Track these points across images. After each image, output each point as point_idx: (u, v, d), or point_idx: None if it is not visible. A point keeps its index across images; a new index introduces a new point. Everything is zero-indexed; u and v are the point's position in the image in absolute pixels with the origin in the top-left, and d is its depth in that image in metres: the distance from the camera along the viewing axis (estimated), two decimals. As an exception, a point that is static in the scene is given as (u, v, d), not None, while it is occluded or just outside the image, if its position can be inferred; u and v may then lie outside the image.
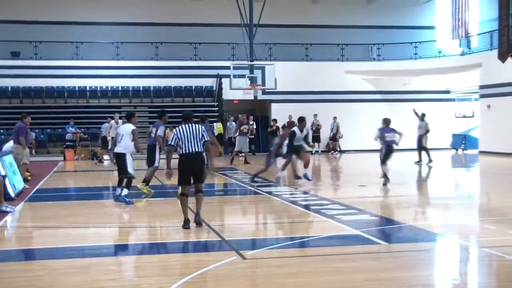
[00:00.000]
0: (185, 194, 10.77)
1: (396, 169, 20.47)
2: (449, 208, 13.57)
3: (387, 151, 17.20)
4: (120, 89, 33.68)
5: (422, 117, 25.52)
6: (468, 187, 19.02)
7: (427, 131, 25.15)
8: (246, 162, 26.12)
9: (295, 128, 18.06)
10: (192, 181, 10.76)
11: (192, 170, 10.66)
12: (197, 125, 10.84)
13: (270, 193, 15.81)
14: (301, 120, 18.10)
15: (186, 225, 10.54)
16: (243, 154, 27.17)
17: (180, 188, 11.28)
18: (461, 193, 17.54)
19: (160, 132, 15.11)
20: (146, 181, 15.36)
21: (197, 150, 10.60)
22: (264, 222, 12.47)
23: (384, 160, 17.18)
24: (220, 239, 9.90)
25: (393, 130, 17.35)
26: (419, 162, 24.70)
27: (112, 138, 20.02)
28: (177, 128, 10.72)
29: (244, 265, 8.18)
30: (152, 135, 15.44)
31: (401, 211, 12.94)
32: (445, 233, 10.35)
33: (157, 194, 15.46)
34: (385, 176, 17.10)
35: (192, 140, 10.57)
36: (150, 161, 15.45)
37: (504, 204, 14.36)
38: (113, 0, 35.05)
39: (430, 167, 23.47)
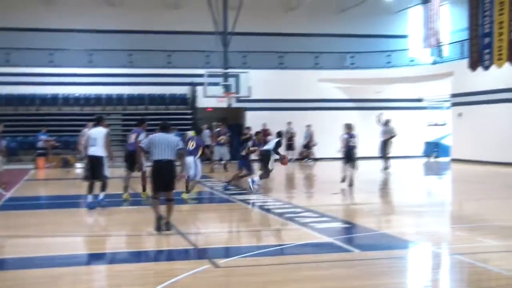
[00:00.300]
0: (157, 197, 11.09)
1: (369, 176, 20.62)
2: (421, 215, 13.66)
3: (349, 153, 17.96)
4: (93, 96, 33.44)
5: (386, 123, 25.75)
6: (440, 194, 19.17)
7: (393, 136, 25.43)
8: (225, 169, 26.15)
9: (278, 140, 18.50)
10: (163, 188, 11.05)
11: (163, 177, 10.93)
12: (172, 134, 11.28)
13: (244, 201, 15.79)
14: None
15: (158, 224, 10.82)
16: (223, 162, 27.12)
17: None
18: (433, 200, 17.67)
19: (142, 137, 15.02)
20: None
21: (168, 158, 10.89)
22: (237, 230, 12.45)
23: (348, 161, 17.72)
24: (193, 247, 9.87)
25: (353, 136, 18.38)
26: (387, 169, 24.92)
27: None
28: (152, 135, 11.18)
29: (217, 274, 8.16)
30: (132, 141, 15.48)
31: (373, 218, 13.00)
32: (417, 240, 10.43)
33: (130, 202, 15.37)
34: (345, 177, 18.04)
35: (166, 148, 10.88)
36: (131, 166, 15.64)
37: (475, 211, 14.51)
38: (87, 7, 34.77)
39: (388, 174, 23.74)
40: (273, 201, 15.79)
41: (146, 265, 8.96)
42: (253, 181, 17.57)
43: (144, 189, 15.96)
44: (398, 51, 36.07)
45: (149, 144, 11.05)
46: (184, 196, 15.91)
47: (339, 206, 15.32)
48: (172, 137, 11.13)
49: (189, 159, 15.73)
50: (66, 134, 30.72)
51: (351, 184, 18.11)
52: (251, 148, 18.18)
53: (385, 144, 25.46)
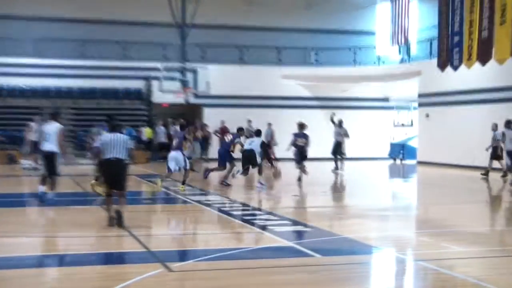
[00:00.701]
0: (109, 194, 11.93)
1: (333, 179, 20.78)
2: (385, 219, 13.81)
3: (300, 153, 18.64)
4: (40, 89, 32.98)
5: (340, 124, 26.35)
6: (405, 198, 19.40)
7: (346, 137, 26.26)
8: (192, 169, 26.05)
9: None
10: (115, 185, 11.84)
11: (113, 175, 11.75)
12: (122, 134, 12.17)
13: (200, 202, 15.77)
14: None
15: (110, 222, 11.49)
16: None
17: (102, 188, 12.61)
18: (398, 204, 17.86)
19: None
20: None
21: (119, 157, 11.63)
22: (193, 233, 12.42)
23: (300, 160, 18.38)
24: (145, 250, 9.82)
25: (305, 136, 19.01)
26: (336, 170, 25.57)
27: (32, 141, 21.98)
28: (104, 135, 12.26)
29: (170, 278, 8.13)
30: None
31: (336, 222, 13.11)
32: (380, 245, 10.53)
33: (80, 202, 15.25)
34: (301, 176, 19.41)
35: (117, 147, 11.62)
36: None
37: (440, 216, 14.72)
38: (35, -6, 34.33)
39: (338, 175, 24.35)
40: (232, 203, 15.80)
41: (96, 268, 8.88)
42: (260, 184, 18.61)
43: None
44: (364, 48, 36.35)
45: (102, 144, 11.79)
46: (181, 188, 17.52)
47: (300, 209, 15.40)
48: (123, 137, 11.90)
49: (175, 154, 17.62)
50: (12, 129, 30.29)
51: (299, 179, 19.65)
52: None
53: (339, 145, 26.10)
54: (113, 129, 12.06)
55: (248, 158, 18.68)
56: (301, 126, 20.36)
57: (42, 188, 14.44)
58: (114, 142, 11.62)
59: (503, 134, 21.86)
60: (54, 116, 14.83)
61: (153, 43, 33.55)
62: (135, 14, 34.74)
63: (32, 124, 25.49)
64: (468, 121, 26.23)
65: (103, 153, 11.72)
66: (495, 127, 23.11)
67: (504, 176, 22.36)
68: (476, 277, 8.17)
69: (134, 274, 8.09)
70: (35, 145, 24.60)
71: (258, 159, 18.72)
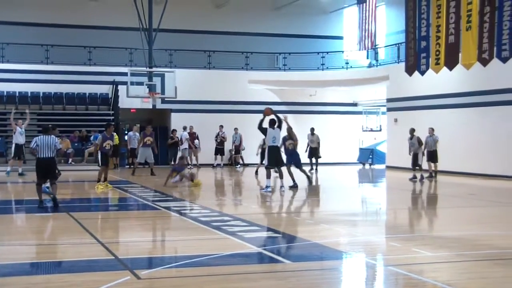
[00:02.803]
0: (40, 184, 15.33)
1: (301, 184, 20.77)
2: (355, 224, 13.84)
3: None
4: (5, 94, 32.54)
5: (312, 131, 29.46)
6: (375, 203, 19.47)
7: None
8: (152, 173, 25.93)
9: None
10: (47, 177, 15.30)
11: (46, 170, 15.09)
12: (52, 136, 15.20)
13: (168, 208, 15.67)
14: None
15: (41, 205, 15.00)
16: (146, 166, 26.91)
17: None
18: (367, 209, 17.93)
19: (98, 140, 20.74)
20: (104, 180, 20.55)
21: (49, 155, 14.98)
22: (161, 239, 12.33)
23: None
24: (112, 257, 9.71)
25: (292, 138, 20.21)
26: (312, 170, 28.44)
27: (17, 144, 24.93)
28: (37, 137, 15.11)
29: (138, 286, 8.04)
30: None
31: (305, 227, 13.09)
32: (350, 250, 10.54)
33: (45, 210, 15.06)
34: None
35: (47, 148, 14.90)
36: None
37: (410, 221, 14.80)
38: (-1, -3, 33.95)
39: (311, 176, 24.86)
40: (200, 209, 15.73)
41: (62, 276, 8.74)
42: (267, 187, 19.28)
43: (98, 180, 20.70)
44: (332, 53, 36.53)
45: (35, 146, 14.94)
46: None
47: (269, 215, 15.37)
48: (52, 139, 15.03)
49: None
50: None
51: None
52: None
53: (316, 151, 29.16)
54: (45, 132, 15.21)
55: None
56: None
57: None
58: (44, 143, 14.84)
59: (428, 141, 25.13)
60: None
61: (120, 48, 33.35)
62: (102, 18, 34.56)
63: (17, 127, 25.37)
64: (436, 126, 26.40)
65: (37, 152, 14.89)
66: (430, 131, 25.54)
67: (430, 177, 25.06)
68: (446, 281, 8.20)
69: (102, 282, 7.98)
70: (19, 149, 24.72)
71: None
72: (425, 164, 25.21)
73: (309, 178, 21.73)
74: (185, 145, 31.23)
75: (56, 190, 15.36)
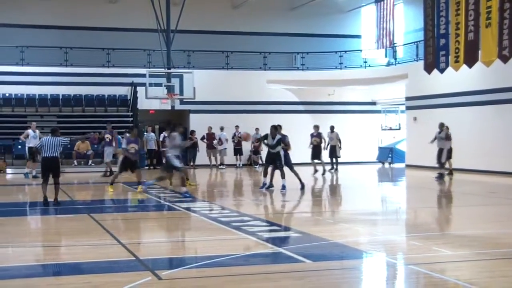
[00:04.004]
0: (45, 182, 16.07)
1: (320, 183, 20.78)
2: (375, 224, 13.81)
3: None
4: (25, 97, 32.80)
5: (332, 129, 29.27)
6: (395, 202, 19.42)
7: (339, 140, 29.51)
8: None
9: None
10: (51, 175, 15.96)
11: (50, 169, 15.93)
12: (57, 137, 15.87)
13: (188, 209, 15.72)
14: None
15: (45, 201, 15.80)
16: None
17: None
18: (387, 208, 17.89)
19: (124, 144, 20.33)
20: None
21: (54, 155, 15.76)
22: (182, 240, 12.36)
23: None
24: (134, 258, 9.77)
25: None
26: (332, 170, 28.57)
27: (31, 148, 24.65)
28: (43, 138, 16.32)
29: (159, 286, 8.08)
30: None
31: (325, 227, 13.08)
32: (371, 250, 10.52)
33: (66, 211, 15.18)
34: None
35: (52, 148, 15.68)
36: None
37: (430, 219, 14.75)
38: (18, 0, 34.15)
39: (316, 178, 25.32)
40: (220, 209, 15.76)
41: (83, 277, 8.79)
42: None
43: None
44: (350, 52, 36.43)
45: (41, 146, 16.00)
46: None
47: (289, 214, 15.37)
48: (56, 140, 15.75)
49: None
50: (-3, 137, 30.14)
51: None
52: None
53: (335, 149, 29.01)
54: (52, 133, 16.11)
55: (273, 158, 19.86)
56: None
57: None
58: (50, 144, 15.65)
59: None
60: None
61: (138, 49, 33.45)
62: (120, 20, 34.71)
63: (29, 131, 25.55)
64: (456, 124, 26.31)
65: (42, 152, 15.95)
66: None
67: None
68: (467, 280, 8.18)
69: (123, 283, 8.03)
70: (34, 153, 24.91)
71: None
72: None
73: (301, 181, 20.77)
74: (225, 145, 32.44)
75: (58, 190, 16.05)
